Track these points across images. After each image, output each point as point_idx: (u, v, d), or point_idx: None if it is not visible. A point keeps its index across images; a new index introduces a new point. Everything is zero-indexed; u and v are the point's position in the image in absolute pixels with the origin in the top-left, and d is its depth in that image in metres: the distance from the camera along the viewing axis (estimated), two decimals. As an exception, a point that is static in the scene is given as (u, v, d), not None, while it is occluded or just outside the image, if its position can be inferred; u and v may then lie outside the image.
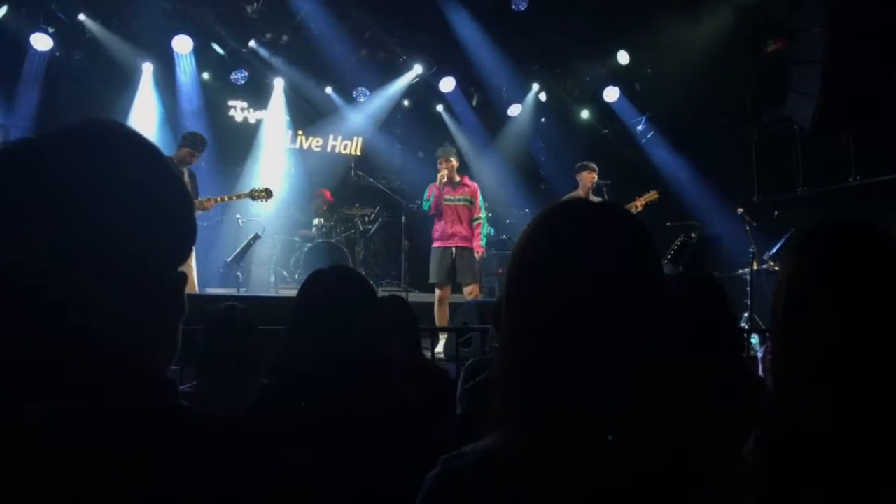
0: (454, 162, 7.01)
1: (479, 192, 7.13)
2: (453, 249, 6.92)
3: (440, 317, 6.80)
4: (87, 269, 0.73)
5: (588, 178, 7.39)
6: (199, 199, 6.44)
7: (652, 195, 7.57)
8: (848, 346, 1.11)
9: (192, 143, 6.35)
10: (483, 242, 7.11)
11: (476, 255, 7.04)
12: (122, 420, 0.72)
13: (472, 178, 7.51)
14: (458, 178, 7.03)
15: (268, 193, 6.79)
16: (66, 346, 0.73)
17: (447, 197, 6.94)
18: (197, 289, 6.48)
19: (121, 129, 0.80)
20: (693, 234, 8.04)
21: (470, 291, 6.89)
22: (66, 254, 0.72)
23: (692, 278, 2.26)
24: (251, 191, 6.79)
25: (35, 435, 0.69)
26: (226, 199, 6.74)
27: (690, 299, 2.06)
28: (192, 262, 6.31)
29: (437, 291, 6.94)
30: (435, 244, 7.03)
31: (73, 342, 0.73)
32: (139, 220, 0.76)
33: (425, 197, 7.08)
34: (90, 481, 0.68)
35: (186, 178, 6.28)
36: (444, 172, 6.89)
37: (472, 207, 7.06)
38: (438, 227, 7.01)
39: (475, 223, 7.07)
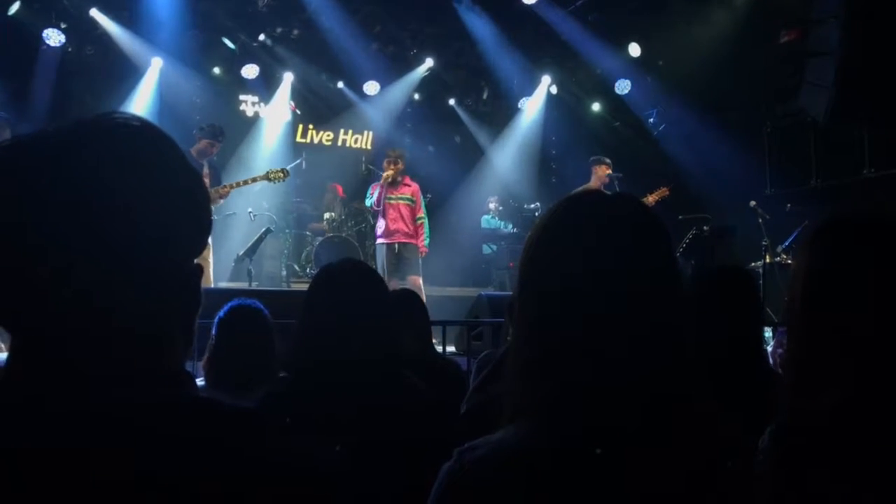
0: (401, 165, 7.28)
1: (420, 192, 7.47)
2: (396, 245, 7.21)
3: None
4: (109, 259, 0.73)
5: (602, 171, 7.46)
6: (216, 187, 6.32)
7: (663, 191, 7.58)
8: (868, 340, 1.10)
9: (211, 134, 6.32)
10: (426, 242, 7.42)
11: (420, 253, 7.36)
12: (143, 414, 0.72)
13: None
14: (399, 178, 7.27)
15: (284, 173, 6.77)
16: (87, 338, 0.73)
17: (389, 196, 7.21)
18: (212, 283, 6.49)
19: (138, 121, 0.80)
20: (705, 227, 8.01)
21: (413, 282, 7.10)
22: (87, 243, 0.72)
23: (728, 270, 2.27)
24: (268, 172, 6.75)
25: (59, 430, 0.69)
26: (241, 183, 6.61)
27: (727, 290, 2.08)
28: (210, 256, 6.31)
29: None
30: (378, 240, 7.35)
31: (95, 334, 0.73)
32: (159, 210, 0.75)
33: (368, 194, 7.39)
34: (114, 477, 0.68)
35: (206, 171, 6.27)
36: (390, 172, 7.17)
37: (415, 206, 7.38)
38: (381, 224, 7.28)
39: (418, 222, 7.39)
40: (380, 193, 7.16)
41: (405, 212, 7.28)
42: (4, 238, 0.71)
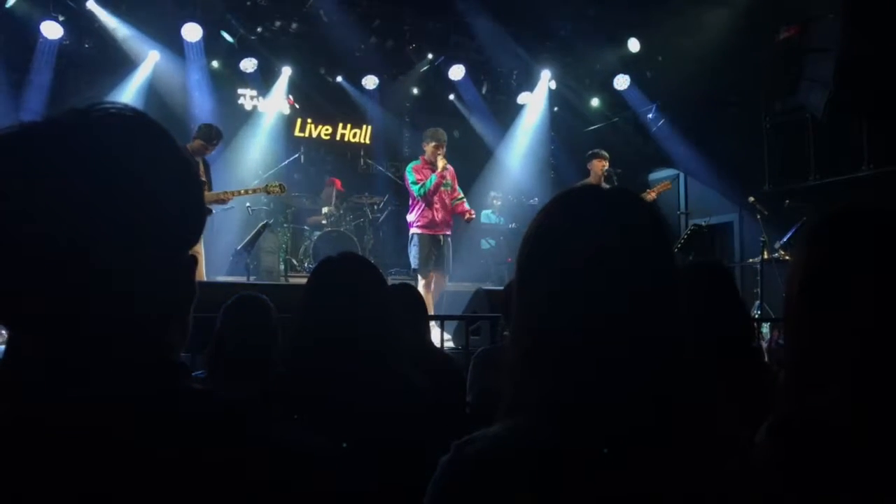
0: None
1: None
2: (441, 237, 6.73)
3: (430, 303, 6.67)
4: (102, 248, 0.72)
5: (599, 166, 7.41)
6: (217, 191, 6.55)
7: (665, 185, 7.61)
8: (867, 337, 1.09)
9: (205, 135, 6.45)
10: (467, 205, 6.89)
11: (471, 216, 6.85)
12: (139, 405, 0.72)
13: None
14: None
15: (281, 189, 7.09)
16: (84, 329, 0.73)
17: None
18: (205, 276, 6.52)
19: (132, 111, 0.80)
20: (703, 223, 8.03)
21: (439, 280, 6.77)
22: (80, 232, 0.71)
23: (702, 266, 2.26)
24: (267, 185, 7.04)
25: (57, 424, 0.69)
26: (242, 192, 6.85)
27: (702, 288, 2.06)
28: (202, 249, 6.34)
29: (424, 279, 6.68)
30: (419, 230, 6.67)
31: (91, 325, 0.73)
32: (152, 200, 0.75)
33: (415, 179, 6.60)
34: (111, 468, 0.68)
35: (201, 168, 6.40)
36: (444, 161, 6.65)
37: (452, 190, 6.82)
38: (426, 214, 6.65)
39: (458, 202, 6.82)
40: (437, 181, 6.55)
41: (447, 201, 6.72)
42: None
